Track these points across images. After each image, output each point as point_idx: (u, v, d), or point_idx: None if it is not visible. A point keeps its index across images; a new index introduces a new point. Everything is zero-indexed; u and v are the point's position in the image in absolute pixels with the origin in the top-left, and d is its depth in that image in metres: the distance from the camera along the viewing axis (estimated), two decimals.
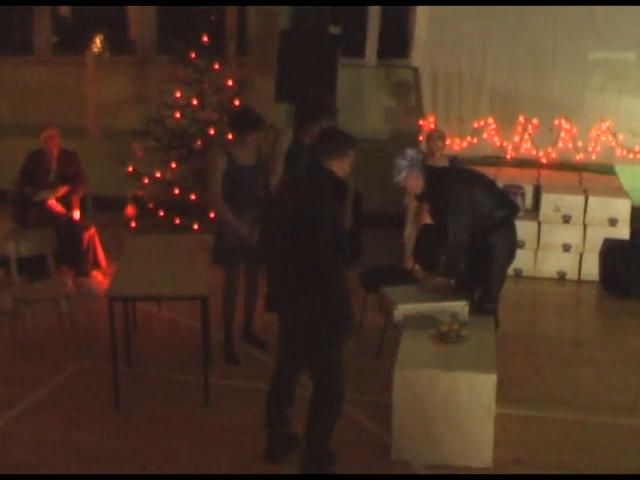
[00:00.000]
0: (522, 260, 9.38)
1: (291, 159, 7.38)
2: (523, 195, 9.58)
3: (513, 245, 7.02)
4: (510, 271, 8.20)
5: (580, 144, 10.16)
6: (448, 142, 9.91)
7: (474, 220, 6.65)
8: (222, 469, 5.88)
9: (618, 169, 10.24)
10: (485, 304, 6.85)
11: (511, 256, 7.00)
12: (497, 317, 6.96)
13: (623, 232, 9.38)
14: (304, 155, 7.04)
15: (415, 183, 6.79)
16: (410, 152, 6.84)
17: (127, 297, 7.10)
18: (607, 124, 10.15)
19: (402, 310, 6.68)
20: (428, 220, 8.97)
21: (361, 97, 11.47)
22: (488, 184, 7.03)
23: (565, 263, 9.54)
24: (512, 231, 6.95)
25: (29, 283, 8.16)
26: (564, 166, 10.18)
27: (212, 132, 10.16)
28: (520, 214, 7.70)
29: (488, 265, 6.83)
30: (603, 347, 7.91)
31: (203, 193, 7.71)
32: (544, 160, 10.43)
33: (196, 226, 9.99)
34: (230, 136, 7.34)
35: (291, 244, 5.42)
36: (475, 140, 10.65)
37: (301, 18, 10.85)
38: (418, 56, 10.78)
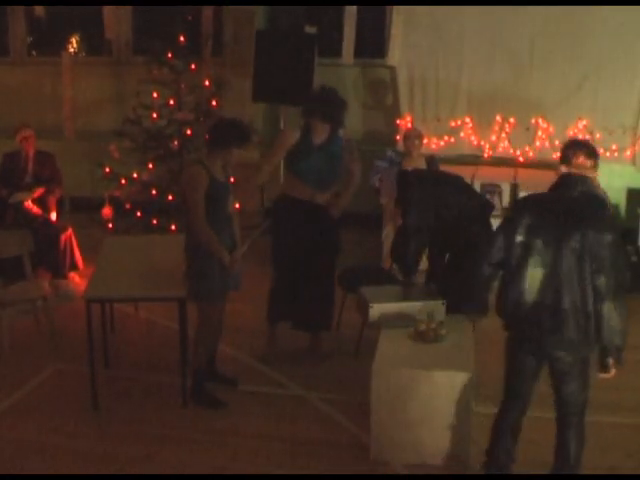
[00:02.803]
0: None
1: (297, 155, 7.19)
2: (500, 194, 9.60)
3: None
4: None
5: (557, 143, 10.17)
6: (425, 141, 9.93)
7: (442, 219, 6.70)
8: (200, 470, 5.87)
9: None
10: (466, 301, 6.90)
11: None
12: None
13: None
14: (309, 152, 7.12)
15: (391, 185, 6.80)
16: (390, 154, 6.90)
17: (104, 299, 7.08)
18: (584, 123, 10.17)
19: (377, 309, 6.69)
20: None
21: None
22: (458, 185, 7.07)
23: None
24: (486, 226, 7.00)
25: (5, 285, 8.11)
26: (541, 165, 10.19)
27: (189, 132, 10.13)
28: (496, 212, 7.71)
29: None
30: None
31: (182, 215, 7.06)
32: (521, 159, 10.45)
33: (173, 227, 9.97)
34: (207, 149, 6.71)
35: None
36: (452, 139, 10.65)
37: (277, 18, 10.84)
38: (395, 55, 10.77)
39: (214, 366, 7.06)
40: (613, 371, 5.22)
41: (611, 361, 5.16)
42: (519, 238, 5.10)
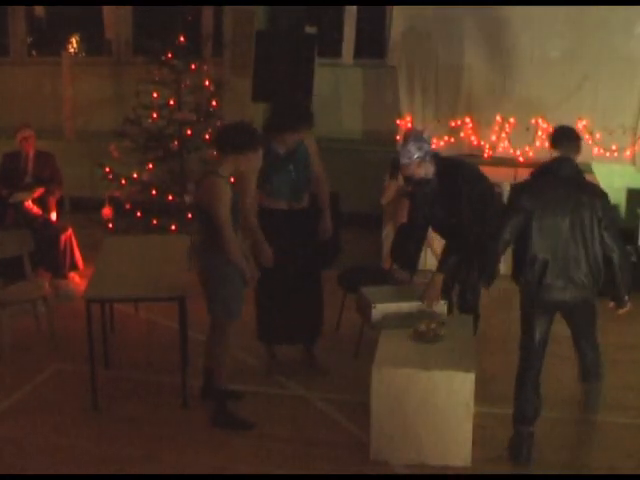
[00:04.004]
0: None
1: (266, 172, 6.80)
2: (500, 194, 9.59)
3: None
4: None
5: None
6: None
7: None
8: (200, 470, 5.87)
9: (595, 168, 10.26)
10: (467, 299, 6.99)
11: None
12: (477, 313, 6.99)
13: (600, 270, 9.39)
14: (279, 166, 6.90)
15: (422, 171, 6.68)
16: (426, 136, 6.86)
17: (105, 299, 7.08)
18: (584, 123, 10.17)
19: (380, 310, 6.67)
20: (406, 219, 9.02)
21: (338, 97, 11.46)
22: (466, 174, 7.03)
23: None
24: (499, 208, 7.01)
25: (5, 285, 8.11)
26: None
27: (189, 132, 10.13)
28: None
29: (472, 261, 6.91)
30: None
31: (209, 231, 6.34)
32: (521, 159, 10.45)
33: (173, 227, 9.97)
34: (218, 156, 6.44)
35: None
36: (452, 139, 10.65)
37: (277, 18, 10.84)
38: (395, 56, 10.78)
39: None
40: (629, 304, 6.16)
41: (626, 296, 6.10)
42: (528, 209, 5.87)
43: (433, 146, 10.39)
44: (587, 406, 6.59)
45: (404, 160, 6.59)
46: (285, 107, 7.16)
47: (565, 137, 6.22)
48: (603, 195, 5.97)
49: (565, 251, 5.85)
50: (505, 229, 5.98)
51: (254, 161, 6.29)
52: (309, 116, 7.02)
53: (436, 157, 6.73)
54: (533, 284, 5.95)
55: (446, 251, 6.85)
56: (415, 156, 6.52)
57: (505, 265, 9.67)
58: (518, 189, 6.18)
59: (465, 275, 7.00)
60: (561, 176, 5.94)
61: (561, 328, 8.06)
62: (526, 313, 6.11)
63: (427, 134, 7.00)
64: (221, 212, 6.09)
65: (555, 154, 6.14)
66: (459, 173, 6.74)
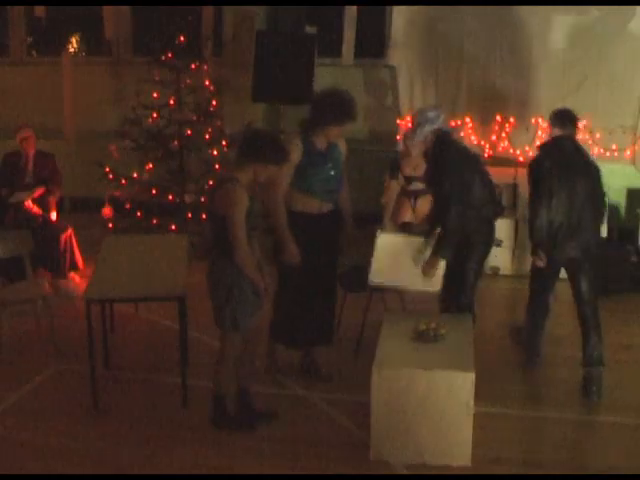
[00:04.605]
0: (500, 258, 9.44)
1: (304, 167, 6.73)
2: (500, 194, 9.60)
3: (491, 241, 7.22)
4: (488, 269, 8.23)
5: None
6: None
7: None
8: (200, 470, 5.87)
9: None
10: (461, 298, 7.01)
11: (487, 251, 7.20)
12: (473, 313, 7.01)
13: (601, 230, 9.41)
14: (317, 162, 6.78)
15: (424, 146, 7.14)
16: (433, 114, 7.00)
17: (104, 299, 7.06)
18: (584, 122, 10.17)
19: (384, 238, 7.33)
20: (407, 218, 9.03)
21: None
22: (487, 179, 7.11)
23: None
24: (492, 228, 7.10)
25: (5, 285, 8.11)
26: None
27: (189, 132, 10.14)
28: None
29: (466, 260, 6.99)
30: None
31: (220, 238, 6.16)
32: (521, 159, 10.45)
33: (173, 227, 9.98)
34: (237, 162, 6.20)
35: None
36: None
37: (277, 18, 10.84)
38: (395, 55, 10.79)
39: (249, 398, 6.54)
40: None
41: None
42: (546, 184, 6.76)
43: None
44: (588, 391, 6.84)
45: (412, 142, 7.60)
46: (329, 100, 6.86)
47: (567, 118, 7.08)
48: (599, 168, 7.00)
49: (578, 215, 6.76)
50: (544, 198, 6.78)
51: (273, 173, 6.18)
52: (353, 110, 6.88)
53: (440, 132, 7.05)
54: (548, 244, 6.85)
55: (440, 235, 7.02)
56: (418, 138, 7.14)
57: (505, 265, 9.72)
58: (539, 161, 6.96)
59: (460, 274, 7.07)
60: (569, 151, 6.91)
61: (561, 328, 8.09)
62: (537, 270, 7.10)
63: (435, 112, 7.07)
64: (236, 218, 5.93)
65: (557, 133, 7.04)
66: (447, 149, 7.03)
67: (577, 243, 6.85)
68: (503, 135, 10.54)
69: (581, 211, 6.79)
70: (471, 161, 7.14)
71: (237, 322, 6.14)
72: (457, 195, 6.80)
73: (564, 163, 6.84)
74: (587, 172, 6.88)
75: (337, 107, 6.78)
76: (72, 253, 9.28)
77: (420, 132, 7.06)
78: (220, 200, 6.04)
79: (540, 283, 7.26)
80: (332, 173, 6.86)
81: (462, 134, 10.61)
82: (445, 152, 6.99)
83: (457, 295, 7.01)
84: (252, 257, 6.12)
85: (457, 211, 6.76)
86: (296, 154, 6.68)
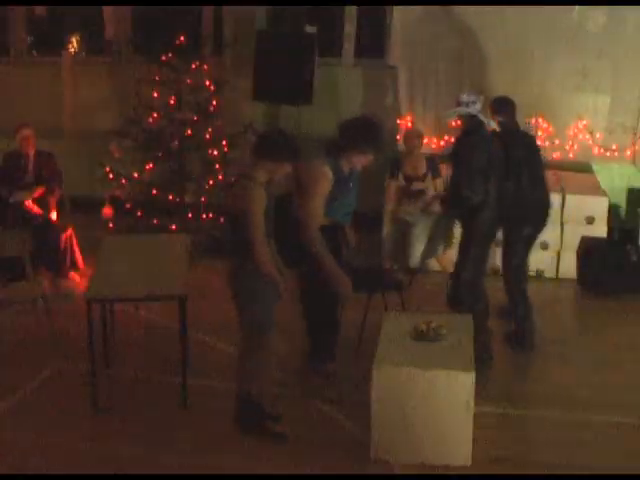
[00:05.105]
0: (500, 258, 9.41)
1: (332, 192, 6.71)
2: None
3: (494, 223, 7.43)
4: (488, 270, 8.22)
5: (557, 142, 10.18)
6: (425, 141, 9.94)
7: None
8: (200, 470, 5.87)
9: (595, 167, 10.28)
10: (462, 273, 7.24)
11: (491, 234, 7.55)
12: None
13: (600, 230, 9.43)
14: (343, 186, 6.77)
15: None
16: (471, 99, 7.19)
17: (104, 299, 7.05)
18: (584, 122, 10.17)
19: None
20: (407, 217, 9.04)
21: (338, 97, 11.45)
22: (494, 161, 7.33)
23: (543, 261, 9.55)
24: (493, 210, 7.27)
25: (5, 285, 8.11)
26: None
27: (189, 132, 10.13)
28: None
29: (469, 236, 7.29)
30: (581, 345, 7.94)
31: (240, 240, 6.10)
32: None
33: (174, 226, 9.97)
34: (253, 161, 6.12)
35: None
36: (452, 139, 10.64)
37: (277, 18, 10.84)
38: (395, 55, 10.78)
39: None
40: None
41: None
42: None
43: (433, 146, 10.47)
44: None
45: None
46: (356, 126, 6.78)
47: (509, 104, 7.89)
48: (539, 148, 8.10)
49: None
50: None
51: (288, 171, 6.16)
52: (379, 140, 6.81)
53: (472, 118, 7.26)
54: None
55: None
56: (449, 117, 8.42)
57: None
58: (483, 146, 7.26)
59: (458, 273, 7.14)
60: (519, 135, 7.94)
61: (562, 328, 8.10)
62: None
63: (472, 97, 7.27)
64: (254, 216, 5.91)
65: (500, 119, 7.77)
66: (468, 136, 7.28)
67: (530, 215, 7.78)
68: None
69: (529, 184, 7.70)
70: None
71: (262, 325, 6.13)
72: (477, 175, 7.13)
73: (517, 147, 7.69)
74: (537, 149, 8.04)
75: (370, 137, 6.73)
76: (72, 253, 9.27)
77: (453, 112, 7.50)
78: (237, 198, 6.05)
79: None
80: (352, 194, 6.93)
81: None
82: (470, 136, 7.27)
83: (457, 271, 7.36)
84: (271, 255, 6.09)
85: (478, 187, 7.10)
86: (328, 184, 6.67)
